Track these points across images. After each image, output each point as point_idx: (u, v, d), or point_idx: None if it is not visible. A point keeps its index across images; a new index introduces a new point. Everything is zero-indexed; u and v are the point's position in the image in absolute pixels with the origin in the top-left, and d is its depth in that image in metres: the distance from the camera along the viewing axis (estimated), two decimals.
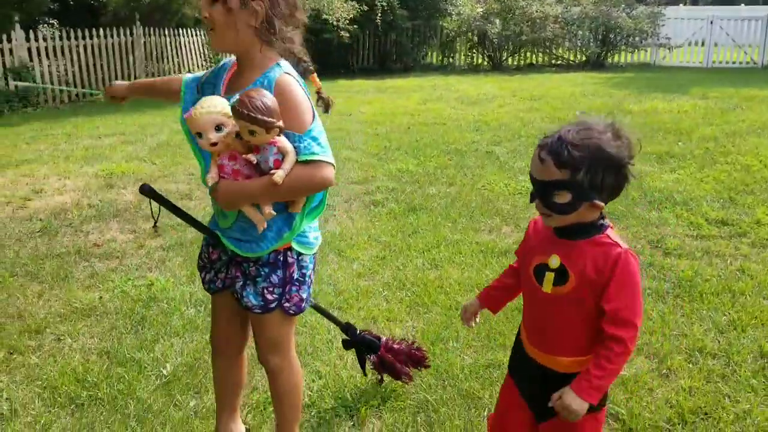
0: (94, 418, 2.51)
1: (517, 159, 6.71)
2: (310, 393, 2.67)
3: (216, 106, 1.74)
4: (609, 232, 1.57)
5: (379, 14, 15.99)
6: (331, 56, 16.66)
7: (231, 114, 1.73)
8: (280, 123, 1.72)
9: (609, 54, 17.56)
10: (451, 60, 18.37)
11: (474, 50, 18.15)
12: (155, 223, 2.07)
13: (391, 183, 5.95)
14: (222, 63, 2.02)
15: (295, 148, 1.76)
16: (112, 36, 12.87)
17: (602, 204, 1.51)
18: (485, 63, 17.98)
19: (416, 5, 17.11)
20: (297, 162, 1.76)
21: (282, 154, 1.75)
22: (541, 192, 1.53)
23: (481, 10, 17.33)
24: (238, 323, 2.15)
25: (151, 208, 1.99)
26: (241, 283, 1.95)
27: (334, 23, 14.47)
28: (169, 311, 3.42)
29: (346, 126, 8.99)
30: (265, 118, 1.68)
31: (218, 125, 1.73)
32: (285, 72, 1.82)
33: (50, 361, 2.96)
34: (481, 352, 2.99)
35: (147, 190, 1.91)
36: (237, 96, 1.74)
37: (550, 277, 1.59)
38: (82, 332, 3.24)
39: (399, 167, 6.49)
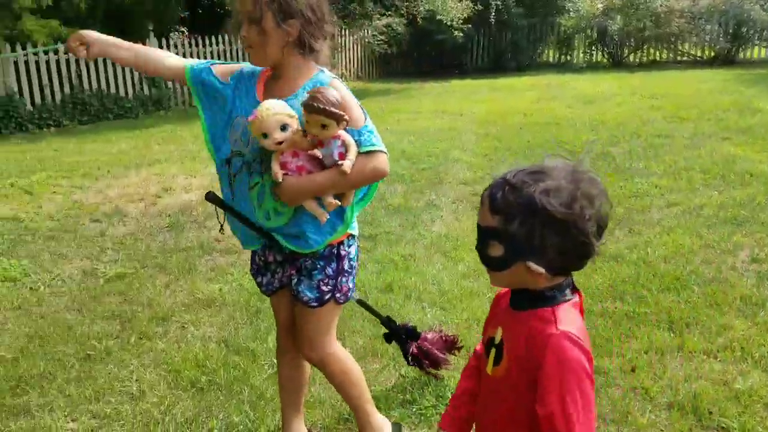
0: (212, 402, 2.70)
1: (634, 160, 6.46)
2: (410, 389, 2.73)
3: (280, 107, 1.87)
4: (562, 307, 1.24)
5: (494, 13, 15.84)
6: (444, 57, 16.69)
7: (293, 114, 1.87)
8: (347, 116, 1.86)
9: (740, 49, 16.42)
10: (568, 58, 17.89)
11: (593, 47, 17.57)
12: (221, 227, 2.19)
13: None
14: (247, 66, 2.10)
15: (355, 141, 1.90)
16: (236, 42, 13.55)
17: (539, 269, 1.20)
18: (605, 60, 17.36)
19: (532, 3, 16.80)
20: (358, 153, 1.89)
21: (345, 147, 1.88)
22: (478, 240, 1.28)
23: (602, 5, 16.74)
24: None
25: (216, 213, 2.14)
26: (296, 279, 2.07)
27: (448, 23, 14.47)
28: None
29: (456, 126, 9.00)
30: (338, 111, 1.82)
31: (283, 125, 1.87)
32: (332, 76, 1.98)
33: (174, 347, 3.20)
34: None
35: (211, 198, 2.07)
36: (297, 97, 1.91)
37: (491, 354, 1.35)
38: (203, 321, 3.48)
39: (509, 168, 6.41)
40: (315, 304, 2.07)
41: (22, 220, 5.38)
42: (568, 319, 1.23)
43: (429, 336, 2.69)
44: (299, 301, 2.09)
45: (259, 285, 2.23)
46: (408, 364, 2.70)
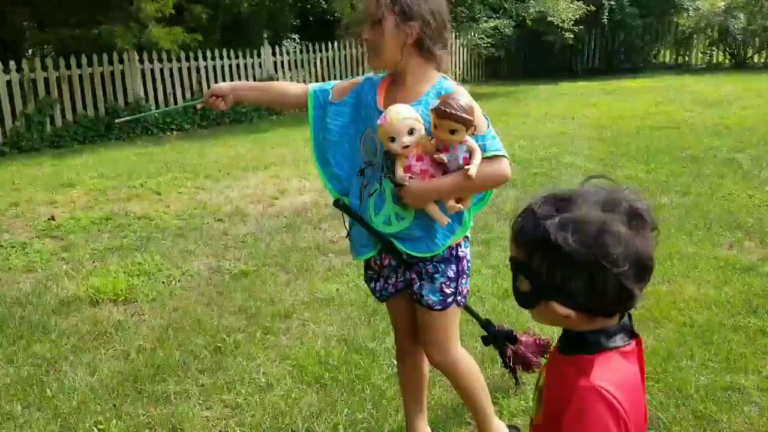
0: (336, 398, 2.79)
1: (764, 167, 6.09)
2: (531, 396, 2.70)
3: (409, 112, 1.93)
4: (605, 356, 1.10)
5: (607, 13, 15.35)
6: (553, 59, 16.34)
7: (420, 119, 1.92)
8: (475, 122, 1.90)
9: None
10: (686, 59, 17.06)
11: (713, 47, 16.67)
12: (348, 233, 2.25)
13: None
14: (367, 78, 2.18)
15: (479, 146, 1.94)
16: (344, 48, 13.87)
17: (565, 310, 1.08)
18: (726, 61, 16.43)
19: (648, 2, 16.14)
20: (482, 158, 1.93)
21: (470, 152, 1.93)
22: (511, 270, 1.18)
23: (723, 4, 15.86)
24: (416, 323, 2.27)
25: (343, 219, 2.24)
26: (418, 284, 2.10)
27: (559, 24, 14.17)
28: None
29: (568, 130, 8.79)
30: (469, 117, 1.86)
31: (411, 129, 1.92)
32: (455, 83, 2.03)
33: (297, 343, 3.32)
34: (719, 373, 2.80)
35: (340, 205, 2.16)
36: (427, 103, 1.97)
37: (535, 398, 1.27)
38: (322, 319, 3.58)
39: (626, 174, 6.21)
40: (439, 307, 2.10)
41: (153, 218, 5.74)
42: (606, 370, 1.08)
43: (524, 339, 2.67)
44: (423, 306, 2.12)
45: (373, 291, 2.28)
46: (504, 367, 2.69)
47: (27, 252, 4.90)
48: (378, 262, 2.20)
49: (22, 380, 3.06)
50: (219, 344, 3.34)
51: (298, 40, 14.80)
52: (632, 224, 1.05)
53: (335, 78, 13.55)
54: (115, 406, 2.82)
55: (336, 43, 13.77)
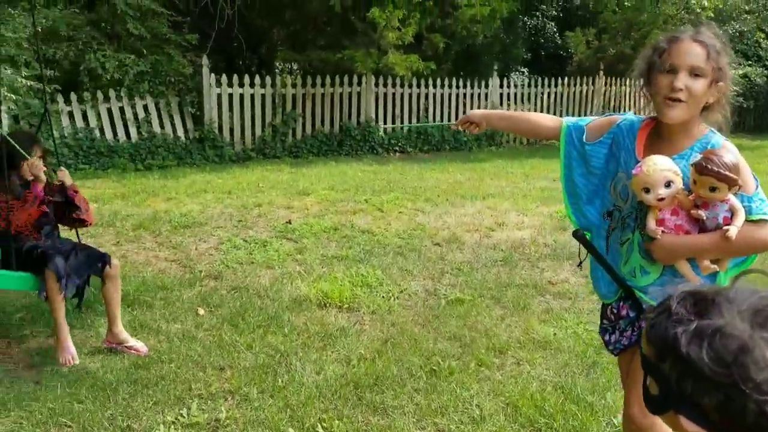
0: None
1: None
2: None
3: (667, 164, 1.86)
4: None
5: None
6: None
7: (679, 172, 1.86)
8: (740, 182, 1.79)
9: None
10: None
11: None
12: (580, 263, 2.28)
13: None
14: (626, 119, 2.10)
15: (744, 207, 1.83)
16: (575, 85, 13.61)
17: (692, 426, 0.91)
18: None
19: None
20: (746, 221, 1.82)
21: (732, 212, 1.83)
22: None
23: None
24: None
25: (579, 251, 2.23)
26: None
27: None
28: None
29: None
30: (732, 175, 1.76)
31: (668, 182, 1.84)
32: (724, 138, 1.93)
33: (511, 381, 3.29)
34: None
35: (579, 236, 2.13)
36: (689, 157, 1.89)
37: None
38: (538, 362, 3.51)
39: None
40: None
41: (375, 233, 6.05)
42: None
43: None
44: None
45: (607, 344, 2.19)
46: None
47: (267, 250, 5.41)
48: (615, 312, 2.13)
49: (259, 367, 3.37)
50: (434, 367, 3.41)
51: (526, 74, 14.80)
52: None
53: (562, 114, 13.33)
54: (337, 407, 3.00)
55: (566, 79, 13.55)
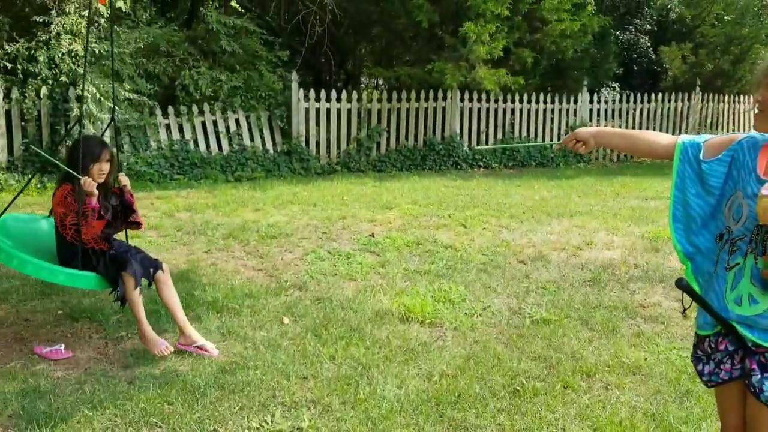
0: None
1: None
2: None
3: None
4: None
5: None
6: None
7: None
8: None
9: None
10: None
11: None
12: (684, 310, 2.11)
13: None
14: (749, 136, 1.96)
15: None
16: (669, 101, 13.12)
17: None
18: None
19: None
20: None
21: None
22: None
23: None
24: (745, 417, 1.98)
25: (683, 299, 2.02)
26: (759, 376, 1.85)
27: None
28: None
29: None
30: None
31: None
32: None
33: (599, 406, 3.16)
34: None
35: (683, 286, 1.93)
36: None
37: None
38: (627, 387, 3.37)
39: None
40: None
41: (458, 249, 6.00)
42: None
43: None
44: (761, 401, 1.86)
45: (700, 374, 2.06)
46: None
47: (350, 262, 5.46)
48: (712, 345, 2.00)
49: (341, 378, 3.39)
50: (517, 387, 3.33)
51: (618, 89, 14.39)
52: None
53: (655, 130, 12.83)
54: (418, 423, 2.98)
55: (660, 95, 13.08)
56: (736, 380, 1.97)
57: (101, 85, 8.54)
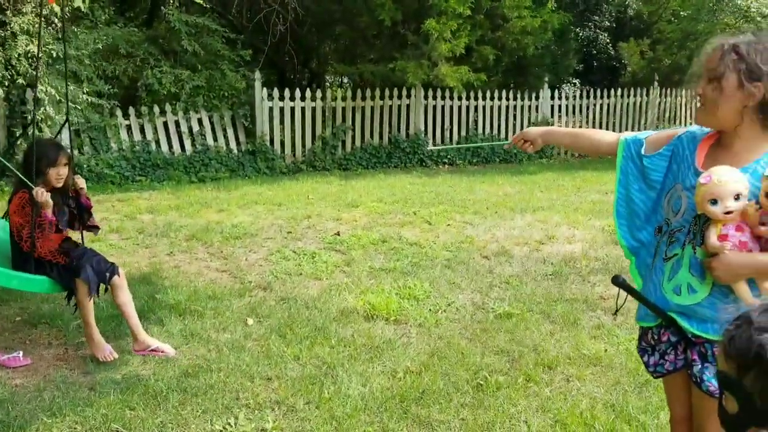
0: None
1: None
2: None
3: (738, 176, 1.78)
4: None
5: None
6: None
7: (748, 186, 1.79)
8: None
9: None
10: None
11: None
12: (616, 311, 2.18)
13: None
14: (688, 131, 2.02)
15: None
16: (628, 96, 13.35)
17: None
18: None
19: None
20: None
21: None
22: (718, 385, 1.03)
23: None
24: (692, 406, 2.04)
25: (617, 297, 2.08)
26: (699, 366, 1.89)
27: None
28: None
29: None
30: None
31: (737, 195, 1.77)
32: None
33: (560, 398, 3.22)
34: None
35: (619, 283, 1.97)
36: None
37: None
38: (588, 379, 3.43)
39: None
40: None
41: (423, 246, 6.03)
42: None
43: None
44: (703, 391, 1.91)
45: (646, 365, 2.10)
46: None
47: (316, 261, 5.46)
48: (655, 337, 2.05)
49: (305, 378, 3.39)
50: (481, 381, 3.37)
51: (578, 85, 14.60)
52: None
53: (615, 126, 13.08)
54: (382, 420, 2.99)
55: (619, 90, 13.31)
56: (681, 371, 2.01)
57: (59, 87, 8.36)
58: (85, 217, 3.81)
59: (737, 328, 0.97)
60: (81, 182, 3.76)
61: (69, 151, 3.74)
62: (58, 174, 3.58)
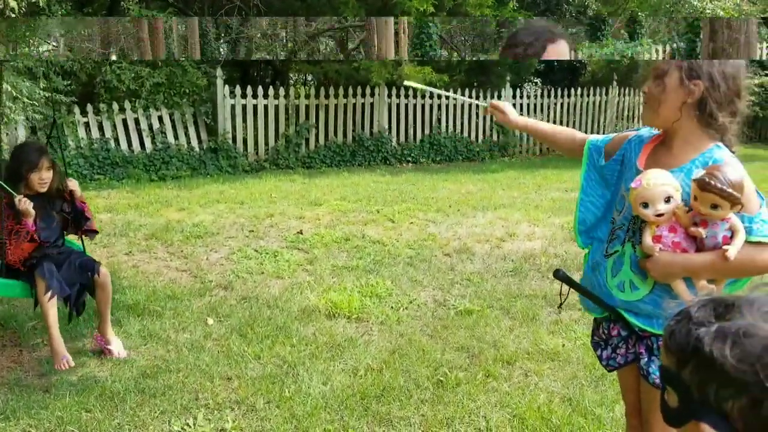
0: None
1: None
2: None
3: (667, 179, 1.82)
4: None
5: None
6: None
7: (679, 188, 1.82)
8: (743, 200, 1.74)
9: None
10: None
11: None
12: (560, 304, 2.24)
13: None
14: (637, 135, 2.07)
15: (744, 227, 1.79)
16: (588, 95, 13.57)
17: None
18: None
19: None
20: (745, 242, 1.78)
21: (731, 231, 1.79)
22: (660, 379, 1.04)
23: None
24: None
25: (560, 291, 2.16)
26: (646, 359, 1.95)
27: None
28: None
29: None
30: (735, 193, 1.71)
31: (667, 197, 1.81)
32: (730, 155, 1.87)
33: (519, 393, 3.27)
34: None
35: (560, 276, 2.06)
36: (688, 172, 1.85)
37: None
38: (546, 373, 3.49)
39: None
40: None
41: (386, 244, 6.06)
42: None
43: None
44: (649, 383, 1.97)
45: (600, 359, 2.16)
46: None
47: (278, 260, 5.43)
48: (606, 331, 2.10)
49: (266, 377, 3.38)
50: (441, 378, 3.40)
51: (539, 84, 14.78)
52: None
53: (575, 125, 13.28)
54: (343, 418, 3.00)
55: (580, 90, 13.52)
56: (632, 364, 2.06)
57: (15, 83, 8.15)
58: (82, 222, 3.66)
59: (677, 323, 0.99)
60: (72, 185, 3.64)
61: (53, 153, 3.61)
62: (41, 178, 3.47)
